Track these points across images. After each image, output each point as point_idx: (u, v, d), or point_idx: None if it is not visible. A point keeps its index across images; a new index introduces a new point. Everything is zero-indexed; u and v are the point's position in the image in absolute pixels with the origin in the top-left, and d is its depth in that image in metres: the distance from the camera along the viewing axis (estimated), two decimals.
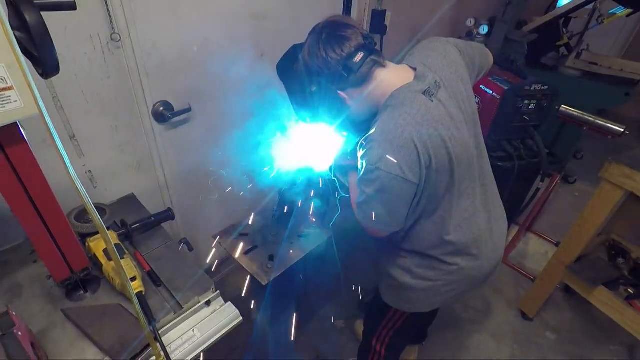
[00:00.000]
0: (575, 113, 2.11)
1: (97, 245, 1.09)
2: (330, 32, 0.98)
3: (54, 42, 0.66)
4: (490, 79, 2.22)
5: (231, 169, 1.89)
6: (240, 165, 1.86)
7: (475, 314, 2.31)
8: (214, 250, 1.40)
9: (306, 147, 1.37)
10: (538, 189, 2.39)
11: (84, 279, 1.04)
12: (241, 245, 1.40)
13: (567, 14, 2.73)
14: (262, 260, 1.34)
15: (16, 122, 0.70)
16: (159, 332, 0.97)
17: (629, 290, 1.88)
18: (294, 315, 1.73)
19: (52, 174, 0.83)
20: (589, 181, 3.39)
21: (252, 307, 1.61)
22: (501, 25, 2.63)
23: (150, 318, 0.96)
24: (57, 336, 0.96)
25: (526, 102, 2.10)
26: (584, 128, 2.09)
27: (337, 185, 1.42)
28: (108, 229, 1.14)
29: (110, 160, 1.52)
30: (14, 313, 0.84)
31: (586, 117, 2.06)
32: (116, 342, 0.93)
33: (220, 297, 1.14)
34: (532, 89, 2.08)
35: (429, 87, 1.01)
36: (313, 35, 1.02)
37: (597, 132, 2.03)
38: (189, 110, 1.62)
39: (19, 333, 0.81)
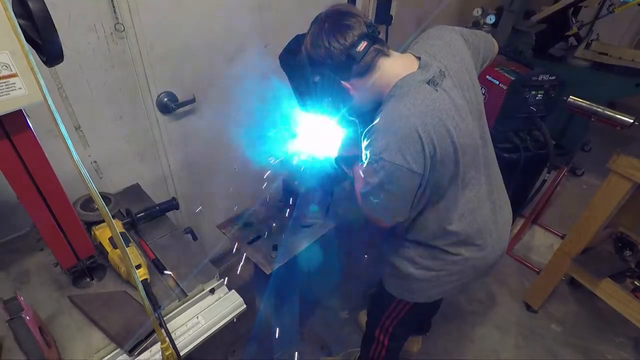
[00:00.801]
0: (583, 104, 2.07)
1: (102, 234, 1.10)
2: (333, 21, 0.97)
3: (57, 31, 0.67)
4: (497, 69, 2.19)
5: (235, 159, 1.90)
6: (244, 156, 1.87)
7: (480, 306, 2.31)
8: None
9: (310, 137, 1.37)
10: (545, 181, 2.36)
11: (90, 266, 1.05)
12: (245, 234, 1.41)
13: (577, 3, 2.67)
14: (266, 249, 1.35)
15: (21, 110, 0.70)
16: (164, 318, 0.98)
17: (636, 282, 1.87)
18: (298, 305, 1.75)
19: (57, 165, 0.84)
20: (597, 173, 3.35)
21: (255, 296, 1.63)
22: (509, 15, 2.58)
23: (155, 305, 0.97)
24: (64, 322, 0.98)
25: (533, 92, 2.07)
26: (592, 119, 2.05)
27: (341, 175, 1.41)
28: (113, 217, 1.15)
29: (115, 150, 1.53)
30: (22, 298, 0.85)
31: (594, 107, 2.02)
32: (122, 328, 0.94)
33: (225, 285, 1.15)
34: (539, 79, 2.05)
35: (434, 77, 0.99)
36: (315, 24, 1.00)
37: (606, 123, 2.00)
38: (193, 101, 1.63)
39: (27, 317, 0.82)
